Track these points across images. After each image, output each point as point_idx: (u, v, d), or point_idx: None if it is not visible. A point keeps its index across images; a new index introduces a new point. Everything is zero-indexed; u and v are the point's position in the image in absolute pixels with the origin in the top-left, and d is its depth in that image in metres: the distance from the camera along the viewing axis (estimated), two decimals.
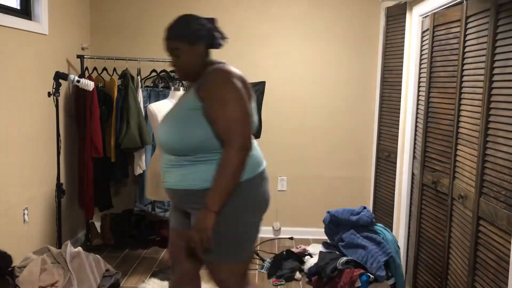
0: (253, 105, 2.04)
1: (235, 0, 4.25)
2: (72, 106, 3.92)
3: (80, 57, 3.85)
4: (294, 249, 3.82)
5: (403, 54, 3.53)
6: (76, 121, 3.94)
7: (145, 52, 4.25)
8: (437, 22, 2.87)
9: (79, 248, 3.12)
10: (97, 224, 4.22)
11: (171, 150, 1.98)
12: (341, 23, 4.26)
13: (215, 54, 4.37)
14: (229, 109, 1.87)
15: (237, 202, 1.93)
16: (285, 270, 3.48)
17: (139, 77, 3.92)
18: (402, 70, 3.54)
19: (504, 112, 2.07)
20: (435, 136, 2.85)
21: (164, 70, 4.05)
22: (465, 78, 2.48)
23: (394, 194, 3.65)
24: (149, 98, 4.00)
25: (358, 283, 2.84)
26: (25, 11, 3.33)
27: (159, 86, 4.01)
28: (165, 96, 3.93)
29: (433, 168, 2.87)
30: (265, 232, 4.43)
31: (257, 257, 3.89)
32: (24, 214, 3.23)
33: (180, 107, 2.02)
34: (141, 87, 3.95)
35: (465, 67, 2.48)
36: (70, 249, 3.00)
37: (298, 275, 3.46)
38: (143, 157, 3.92)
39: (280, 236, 4.45)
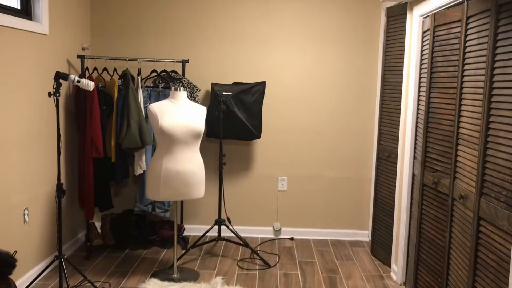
0: None
1: (236, 1, 4.25)
2: (72, 106, 3.92)
3: (81, 57, 3.85)
4: None
5: (403, 54, 3.53)
6: (77, 121, 3.94)
7: (146, 52, 4.25)
8: (437, 22, 2.87)
9: None
10: (98, 224, 4.22)
11: None
12: (341, 23, 4.26)
13: (215, 54, 4.34)
14: None
15: None
16: None
17: (139, 77, 3.92)
18: (402, 70, 3.54)
19: (505, 112, 2.06)
20: (435, 136, 2.85)
21: (164, 70, 4.05)
22: (465, 78, 2.48)
23: (394, 194, 3.64)
24: (150, 98, 4.00)
25: None
26: (26, 11, 3.33)
27: (160, 86, 4.01)
28: (165, 96, 3.93)
29: (434, 168, 2.87)
30: (265, 232, 4.44)
31: (257, 257, 3.89)
32: (24, 214, 3.23)
33: None
34: (142, 87, 3.95)
35: (466, 67, 2.47)
36: None
37: None
38: (144, 157, 3.92)
39: (280, 237, 4.44)
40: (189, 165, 3.27)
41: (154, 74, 4.10)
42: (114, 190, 4.35)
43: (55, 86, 2.93)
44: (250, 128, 4.05)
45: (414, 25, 3.28)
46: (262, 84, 4.12)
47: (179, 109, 3.31)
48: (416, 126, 3.26)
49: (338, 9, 4.25)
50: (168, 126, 3.19)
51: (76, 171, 3.97)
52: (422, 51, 3.18)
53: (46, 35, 3.46)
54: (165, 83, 4.02)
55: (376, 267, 3.82)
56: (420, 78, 3.20)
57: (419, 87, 3.21)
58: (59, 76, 2.96)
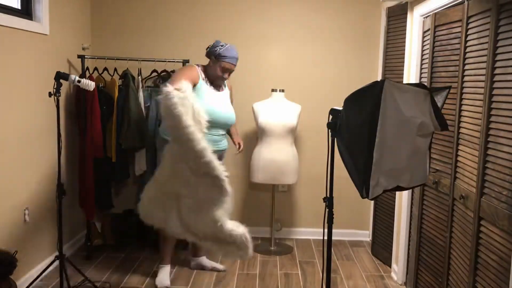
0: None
1: (236, 1, 4.25)
2: (73, 106, 3.92)
3: (81, 57, 3.85)
4: None
5: (404, 54, 3.53)
6: (77, 121, 3.94)
7: (146, 52, 4.25)
8: (438, 22, 2.87)
9: None
10: (98, 224, 4.21)
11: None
12: (342, 23, 4.26)
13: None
14: None
15: None
16: None
17: (140, 77, 3.91)
18: (403, 70, 3.54)
19: (505, 112, 2.06)
20: (436, 136, 2.84)
21: (165, 70, 4.05)
22: (466, 78, 2.48)
23: (395, 194, 3.64)
24: (150, 98, 4.00)
25: None
26: (26, 11, 3.33)
27: (160, 86, 4.01)
28: None
29: (434, 168, 2.87)
30: (265, 232, 4.43)
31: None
32: (24, 214, 3.23)
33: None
34: (142, 87, 3.94)
35: (466, 67, 2.47)
36: None
37: None
38: (144, 157, 3.92)
39: (280, 236, 4.44)
40: (282, 155, 3.84)
41: (154, 74, 4.09)
42: (115, 190, 4.35)
43: (55, 86, 2.93)
44: (352, 171, 2.30)
45: (415, 25, 3.28)
46: (376, 87, 2.07)
47: (275, 107, 3.88)
48: None
49: (338, 9, 4.24)
50: (264, 121, 3.82)
51: (76, 171, 3.97)
52: (422, 51, 3.18)
53: (46, 35, 3.46)
54: (165, 83, 4.01)
55: (377, 267, 3.82)
56: (420, 78, 3.20)
57: None
58: (60, 76, 2.96)
